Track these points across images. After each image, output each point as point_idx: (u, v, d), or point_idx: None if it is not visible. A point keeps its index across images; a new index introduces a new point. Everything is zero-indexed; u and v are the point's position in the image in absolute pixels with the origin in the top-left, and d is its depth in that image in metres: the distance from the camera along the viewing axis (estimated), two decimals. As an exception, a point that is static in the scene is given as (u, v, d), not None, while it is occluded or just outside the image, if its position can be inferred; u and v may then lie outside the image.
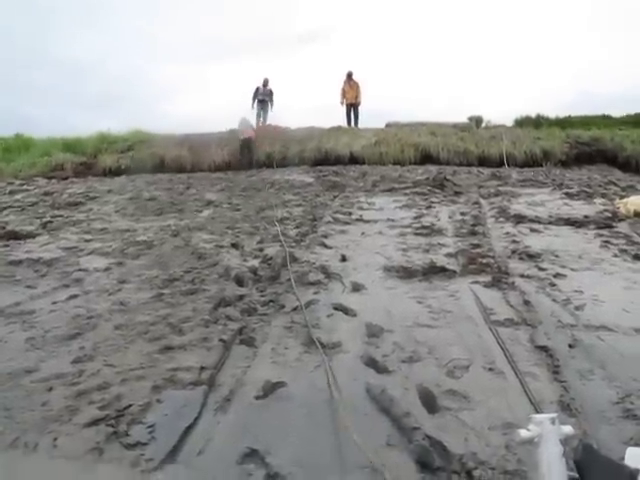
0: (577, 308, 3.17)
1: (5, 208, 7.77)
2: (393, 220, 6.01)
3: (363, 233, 5.43)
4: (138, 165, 14.08)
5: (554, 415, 1.27)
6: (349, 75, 15.76)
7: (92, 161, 14.73)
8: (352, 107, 15.98)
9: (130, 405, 2.21)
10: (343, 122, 15.99)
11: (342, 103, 15.97)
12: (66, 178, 12.91)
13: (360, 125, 15.98)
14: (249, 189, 9.15)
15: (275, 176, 10.71)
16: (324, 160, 13.30)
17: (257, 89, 15.76)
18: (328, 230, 5.59)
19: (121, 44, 49.28)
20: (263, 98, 15.77)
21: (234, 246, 5.02)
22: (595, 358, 2.54)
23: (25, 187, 10.36)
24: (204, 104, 39.41)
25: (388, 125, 16.24)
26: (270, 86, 15.76)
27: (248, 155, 13.80)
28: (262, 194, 8.52)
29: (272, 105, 15.94)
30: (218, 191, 9.15)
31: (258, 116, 15.95)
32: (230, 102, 32.15)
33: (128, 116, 33.37)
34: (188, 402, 2.23)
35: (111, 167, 14.18)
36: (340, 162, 13.03)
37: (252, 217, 6.59)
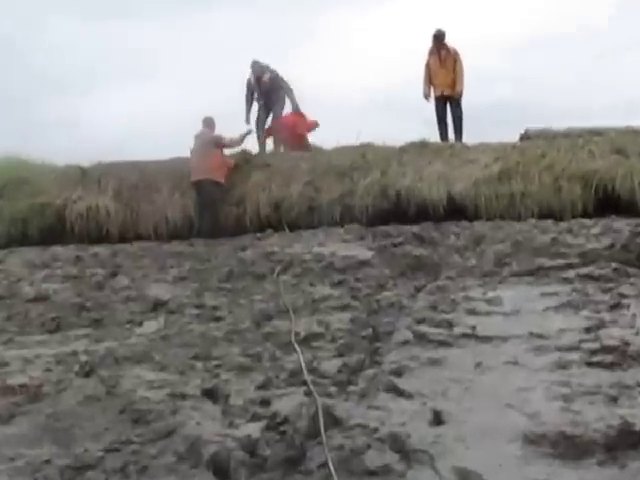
0: None
1: None
2: (541, 335, 6.02)
3: (479, 364, 5.46)
4: (12, 228, 14.42)
5: None
6: (438, 37, 16.19)
7: None
8: (447, 101, 16.32)
9: None
10: (430, 131, 16.30)
11: (427, 95, 16.34)
12: None
13: (466, 137, 16.21)
14: (238, 276, 9.42)
15: (292, 247, 11.05)
16: (394, 212, 13.83)
17: (248, 84, 16.44)
18: (404, 359, 5.64)
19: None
20: (266, 100, 16.40)
21: (209, 395, 5.09)
22: None
23: None
24: (142, 99, 40.71)
25: (525, 136, 16.36)
26: (271, 74, 16.35)
27: (206, 216, 14.00)
28: (266, 285, 8.73)
29: (283, 105, 16.51)
30: (175, 281, 9.45)
31: (260, 134, 16.51)
32: (196, 95, 33.20)
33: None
34: None
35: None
36: (427, 216, 13.48)
37: (246, 334, 6.72)
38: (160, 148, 16.20)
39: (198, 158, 14.50)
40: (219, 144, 14.84)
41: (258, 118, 16.68)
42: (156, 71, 48.79)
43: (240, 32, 43.10)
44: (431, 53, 16.23)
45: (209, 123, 15.24)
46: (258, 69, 16.41)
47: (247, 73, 16.82)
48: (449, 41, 16.26)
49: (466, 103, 16.41)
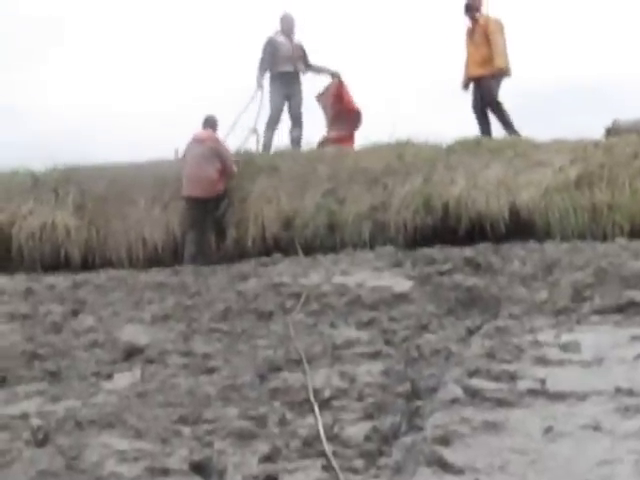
0: None
1: None
2: (631, 392, 5.98)
3: (549, 429, 5.42)
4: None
5: None
6: (468, 7, 16.78)
7: None
8: (479, 84, 17.00)
9: None
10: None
11: (464, 84, 17.31)
12: None
13: (534, 132, 16.39)
14: (237, 315, 9.46)
15: (307, 277, 11.08)
16: (439, 231, 13.94)
17: (272, 42, 16.33)
18: (452, 422, 5.59)
19: None
20: (289, 69, 16.37)
21: (198, 470, 5.09)
22: None
23: None
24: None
25: (613, 130, 16.34)
26: (297, 34, 16.41)
27: (195, 237, 13.78)
28: (273, 327, 8.80)
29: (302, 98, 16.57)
30: (155, 321, 9.47)
31: (271, 124, 16.48)
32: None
33: None
34: None
35: None
36: (483, 235, 13.56)
37: (245, 390, 6.73)
38: (136, 146, 16.04)
39: (197, 169, 14.40)
40: (221, 159, 14.82)
41: (272, 112, 16.49)
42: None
43: None
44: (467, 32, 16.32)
45: (211, 123, 15.07)
46: (291, 22, 16.31)
47: (272, 29, 16.73)
48: (486, 12, 16.27)
49: (532, 86, 16.39)
